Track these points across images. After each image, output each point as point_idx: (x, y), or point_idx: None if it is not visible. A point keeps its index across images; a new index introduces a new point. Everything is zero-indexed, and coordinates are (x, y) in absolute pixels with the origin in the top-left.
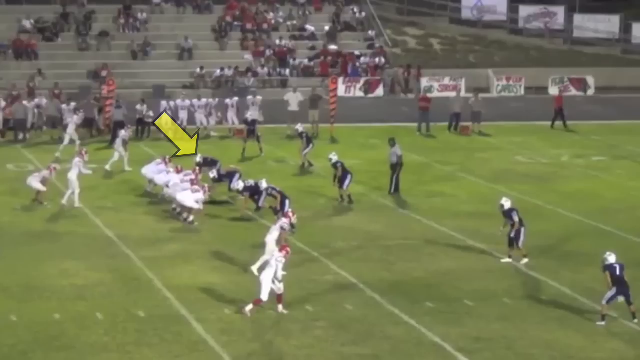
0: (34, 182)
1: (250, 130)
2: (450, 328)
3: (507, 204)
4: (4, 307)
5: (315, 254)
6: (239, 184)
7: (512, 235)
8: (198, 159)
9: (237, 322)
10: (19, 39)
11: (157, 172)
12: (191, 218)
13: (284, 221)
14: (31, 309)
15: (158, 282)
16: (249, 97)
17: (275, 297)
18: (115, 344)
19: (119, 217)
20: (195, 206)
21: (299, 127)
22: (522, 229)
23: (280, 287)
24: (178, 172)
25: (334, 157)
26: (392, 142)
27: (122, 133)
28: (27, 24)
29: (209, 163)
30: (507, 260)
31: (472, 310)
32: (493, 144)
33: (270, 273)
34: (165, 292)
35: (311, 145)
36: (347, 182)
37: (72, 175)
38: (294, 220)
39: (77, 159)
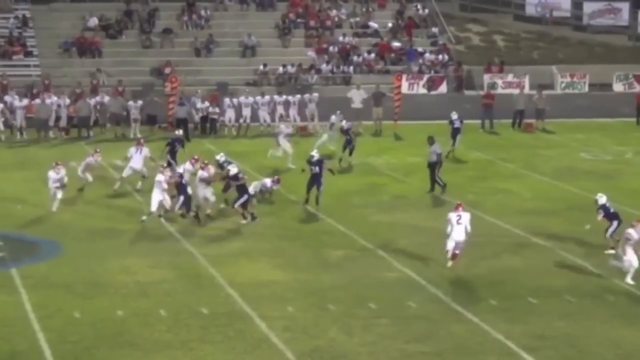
0: (83, 173)
1: (348, 140)
2: (514, 326)
3: (601, 199)
4: (67, 303)
5: (378, 251)
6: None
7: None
8: (218, 157)
9: (300, 319)
10: (83, 36)
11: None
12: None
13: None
14: (94, 306)
15: (221, 279)
16: (306, 95)
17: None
18: (179, 340)
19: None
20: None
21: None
22: (615, 222)
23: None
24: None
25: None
26: (431, 141)
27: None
28: (91, 21)
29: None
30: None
31: (536, 308)
32: (557, 141)
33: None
34: (228, 289)
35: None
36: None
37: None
38: None
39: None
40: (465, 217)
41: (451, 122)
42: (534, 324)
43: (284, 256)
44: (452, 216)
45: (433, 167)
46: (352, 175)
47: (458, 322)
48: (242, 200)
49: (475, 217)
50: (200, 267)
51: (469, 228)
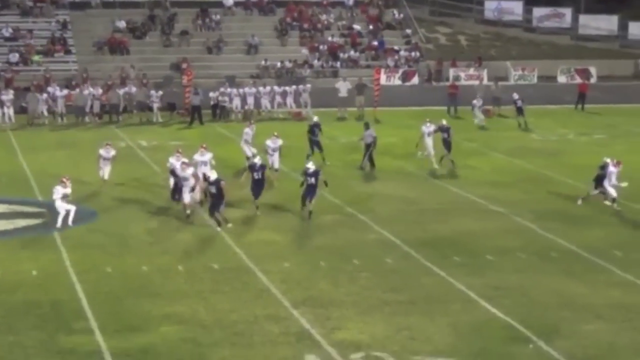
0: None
1: (446, 140)
2: (474, 278)
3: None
4: (101, 260)
5: (361, 217)
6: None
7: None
8: (257, 160)
9: (295, 273)
10: (113, 37)
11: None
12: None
13: None
14: (123, 262)
15: (229, 240)
16: (300, 86)
17: None
18: (194, 291)
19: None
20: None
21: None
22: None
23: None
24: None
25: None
26: (366, 126)
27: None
28: (120, 24)
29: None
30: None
31: (493, 264)
32: (511, 125)
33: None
34: (235, 248)
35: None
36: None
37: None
38: None
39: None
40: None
41: (514, 102)
42: (491, 277)
43: (282, 220)
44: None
45: (368, 147)
46: (339, 152)
47: (427, 275)
48: (222, 207)
49: (442, 188)
50: (211, 229)
51: (612, 180)
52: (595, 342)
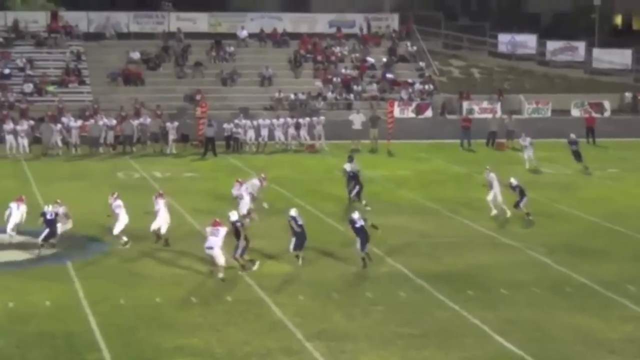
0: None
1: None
2: (488, 312)
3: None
4: (114, 292)
5: (374, 249)
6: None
7: None
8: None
9: (309, 306)
10: (128, 68)
11: None
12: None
13: None
14: (136, 294)
15: (242, 272)
16: (314, 118)
17: None
18: (207, 323)
19: (208, 217)
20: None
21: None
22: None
23: None
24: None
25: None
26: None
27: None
28: (134, 55)
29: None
30: None
31: (506, 298)
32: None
33: None
34: (248, 280)
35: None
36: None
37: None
38: None
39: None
40: None
41: (571, 143)
42: (505, 311)
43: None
44: None
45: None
46: None
47: (441, 309)
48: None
49: (455, 221)
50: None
51: None
52: None
